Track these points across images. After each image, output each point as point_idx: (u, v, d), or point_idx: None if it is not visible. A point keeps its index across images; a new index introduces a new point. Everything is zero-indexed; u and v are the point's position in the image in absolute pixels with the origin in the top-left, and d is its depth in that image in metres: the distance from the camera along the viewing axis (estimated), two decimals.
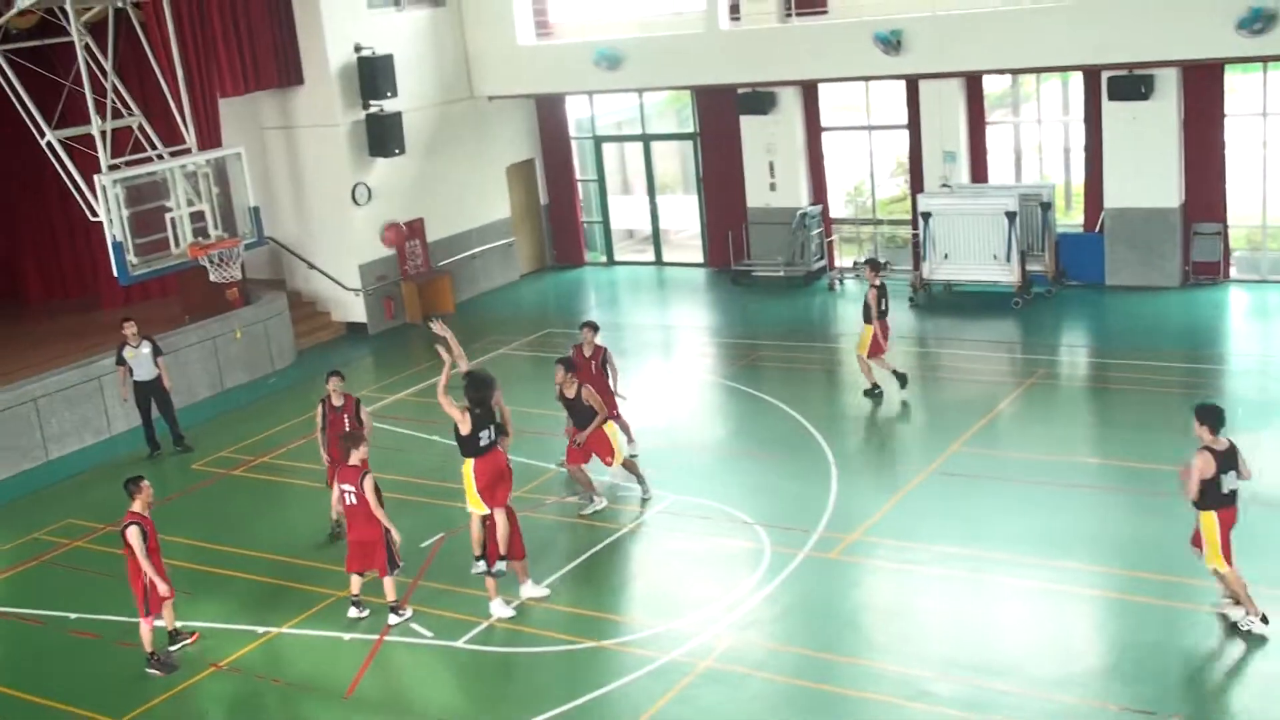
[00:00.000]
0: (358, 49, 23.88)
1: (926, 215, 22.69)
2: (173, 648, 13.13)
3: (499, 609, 13.11)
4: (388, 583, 13.26)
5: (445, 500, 16.21)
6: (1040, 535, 13.67)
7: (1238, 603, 11.50)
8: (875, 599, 13.14)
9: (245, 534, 15.89)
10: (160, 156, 20.17)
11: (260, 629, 13.40)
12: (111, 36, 19.75)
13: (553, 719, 11.31)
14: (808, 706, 11.19)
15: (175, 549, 15.23)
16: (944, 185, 23.37)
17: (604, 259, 28.82)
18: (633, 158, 28.57)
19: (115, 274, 19.16)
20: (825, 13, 23.69)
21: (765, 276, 25.36)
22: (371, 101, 23.99)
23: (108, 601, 14.31)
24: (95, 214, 19.07)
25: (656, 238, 28.20)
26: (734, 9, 24.03)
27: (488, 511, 12.91)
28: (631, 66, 24.67)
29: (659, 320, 24.61)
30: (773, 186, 25.53)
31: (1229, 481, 11.20)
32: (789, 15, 23.75)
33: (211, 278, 20.22)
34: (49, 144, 19.19)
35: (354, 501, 13.03)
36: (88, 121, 19.10)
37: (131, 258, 19.04)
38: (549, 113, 28.07)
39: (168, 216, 19.55)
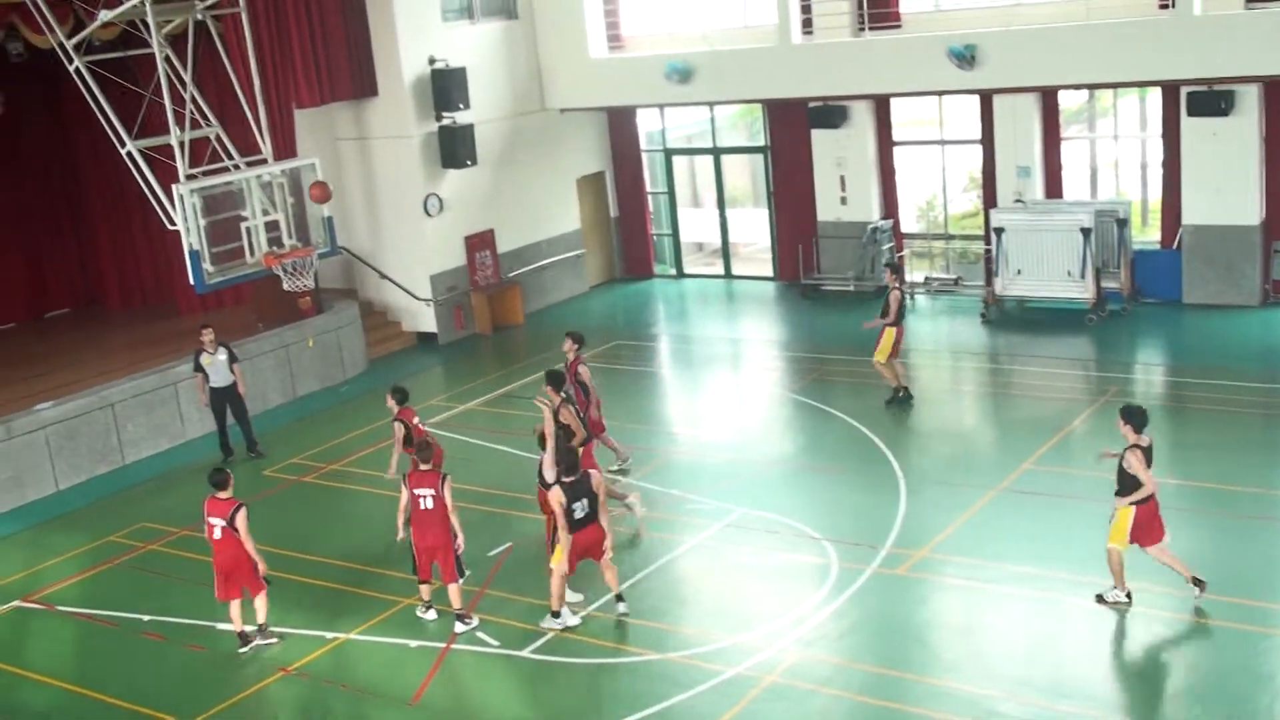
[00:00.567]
0: (431, 61, 24.10)
1: (999, 231, 22.47)
2: (243, 649, 13.38)
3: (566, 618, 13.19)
4: (453, 590, 13.33)
5: (513, 510, 16.30)
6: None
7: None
8: (943, 616, 13.01)
9: (315, 540, 16.04)
10: (237, 166, 20.46)
11: (329, 634, 13.51)
12: (191, 48, 20.07)
13: None
14: None
15: None
16: (1017, 201, 23.14)
17: (673, 271, 28.83)
18: (703, 171, 28.56)
19: (192, 282, 19.44)
20: (899, 27, 23.58)
21: (835, 290, 25.25)
22: (444, 113, 24.18)
23: (180, 604, 14.53)
24: (173, 223, 19.37)
25: (726, 251, 28.17)
26: (806, 23, 23.97)
27: (565, 570, 12.94)
28: (703, 80, 24.68)
29: (727, 333, 24.56)
30: (843, 200, 25.42)
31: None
32: (862, 29, 23.65)
33: (285, 287, 20.45)
34: (129, 154, 19.52)
35: (431, 506, 13.13)
36: (167, 132, 19.41)
37: (208, 266, 19.31)
38: (620, 125, 28.16)
39: (243, 226, 19.81)
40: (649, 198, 28.62)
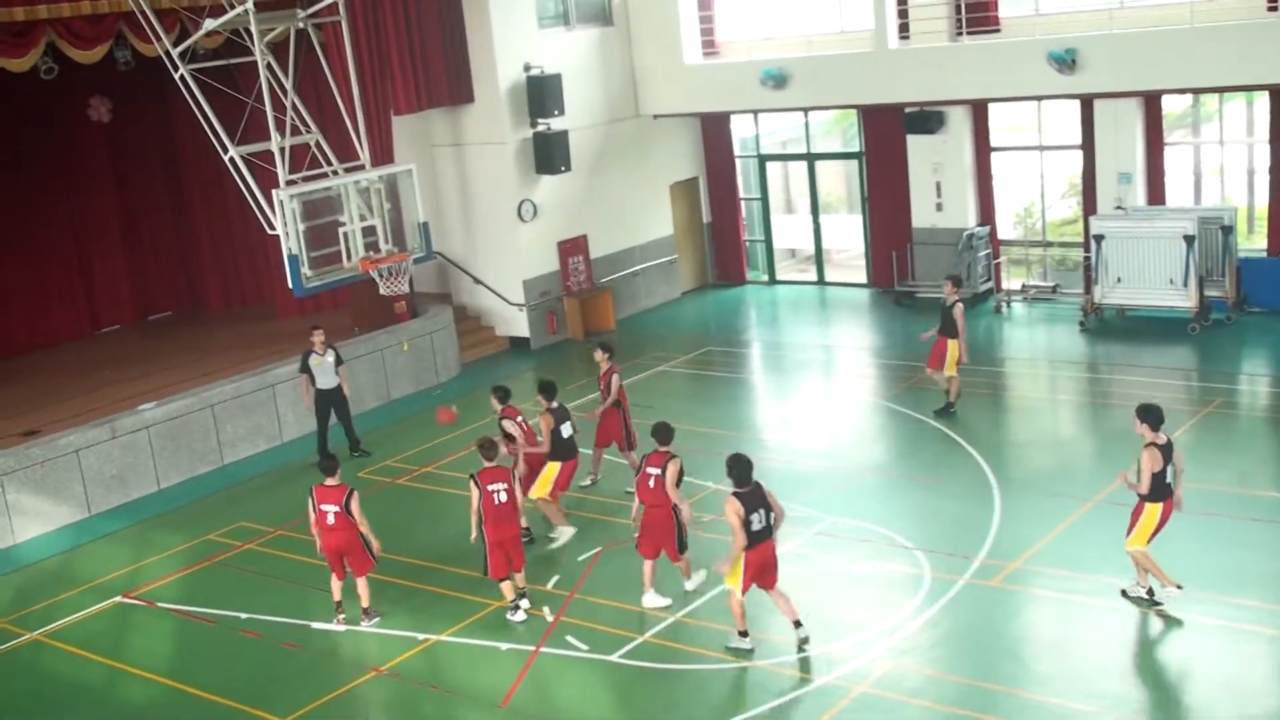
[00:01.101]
0: (527, 68, 24.27)
1: (1099, 238, 22.08)
2: (340, 616, 14.07)
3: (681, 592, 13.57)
4: (519, 578, 13.83)
5: (603, 515, 16.34)
6: (1215, 570, 13.15)
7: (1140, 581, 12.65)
8: (1037, 629, 12.80)
9: (408, 542, 16.18)
10: (335, 172, 20.72)
11: (420, 635, 13.64)
12: (292, 56, 20.37)
13: None
14: None
15: None
16: (1118, 207, 22.72)
17: (765, 278, 28.73)
18: (797, 177, 28.43)
19: (290, 286, 19.71)
20: (997, 31, 23.28)
21: (929, 298, 24.95)
22: (539, 119, 24.34)
23: (275, 602, 14.77)
24: (273, 227, 19.66)
25: (819, 257, 28.00)
26: (903, 27, 23.76)
27: (740, 595, 12.30)
28: (798, 85, 24.59)
29: (820, 340, 24.40)
30: (939, 207, 25.15)
31: (1168, 474, 12.37)
32: (960, 34, 23.40)
33: (381, 291, 20.65)
34: (231, 159, 19.86)
35: (505, 499, 13.49)
36: (268, 138, 19.70)
37: (306, 270, 19.55)
38: (713, 131, 28.12)
39: (341, 231, 20.05)
40: (742, 204, 28.55)
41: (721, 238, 28.73)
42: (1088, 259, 22.90)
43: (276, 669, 13.48)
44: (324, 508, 13.73)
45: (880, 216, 26.31)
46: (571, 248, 25.51)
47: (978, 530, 14.71)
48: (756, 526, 12.04)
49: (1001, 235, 25.32)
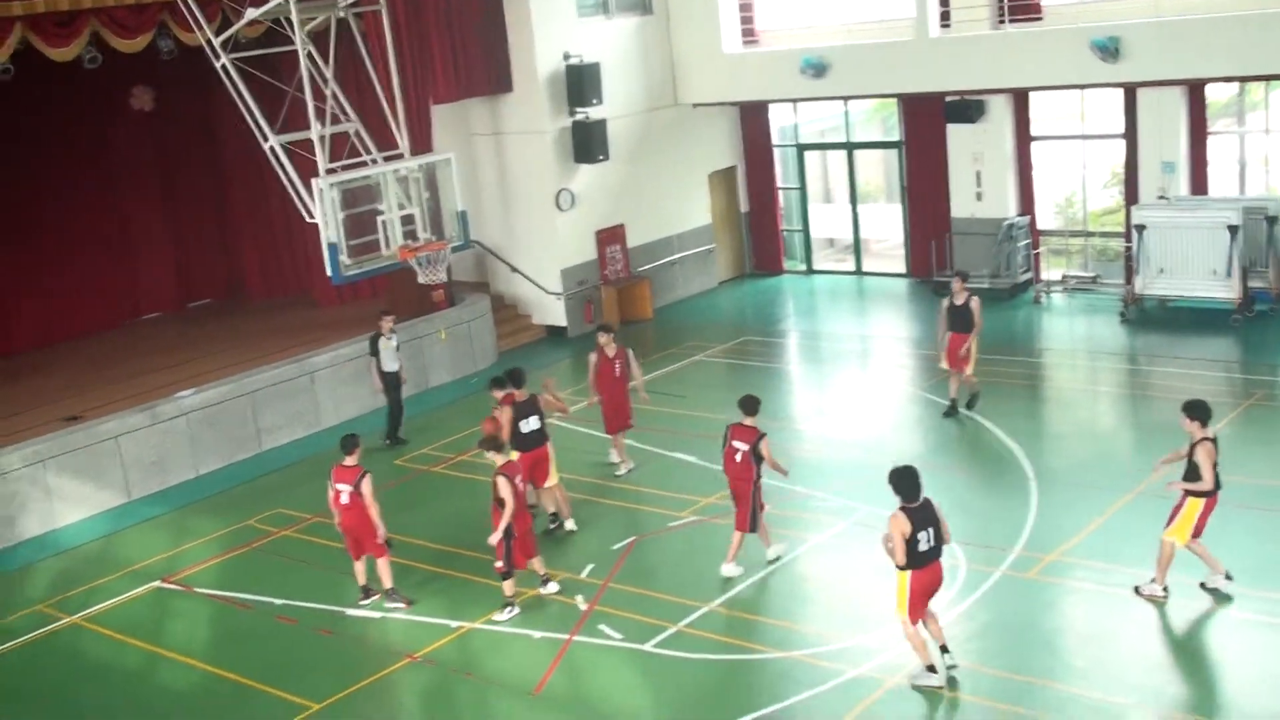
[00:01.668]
0: (566, 57, 24.26)
1: (1141, 228, 21.86)
2: (364, 601, 14.30)
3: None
4: (536, 563, 14.06)
5: (638, 504, 16.36)
6: (1256, 564, 13.00)
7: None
8: (1074, 622, 12.70)
9: (443, 530, 16.26)
10: (374, 161, 20.80)
11: (454, 623, 13.70)
12: (332, 45, 20.45)
13: None
14: None
15: None
16: (1161, 197, 22.48)
17: (803, 267, 28.62)
18: (835, 166, 28.30)
19: (329, 274, 19.82)
20: (1039, 19, 23.08)
21: (968, 288, 24.75)
22: (578, 109, 24.33)
23: (311, 589, 14.87)
24: (312, 216, 19.76)
25: (857, 246, 27.87)
26: (944, 15, 23.60)
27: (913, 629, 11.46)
28: (838, 74, 24.47)
29: (857, 330, 24.31)
30: (979, 196, 24.96)
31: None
32: (1001, 22, 23.20)
33: (419, 279, 20.74)
34: (271, 148, 19.97)
35: (523, 488, 13.82)
36: (308, 127, 19.81)
37: (344, 258, 19.66)
38: (752, 120, 28.03)
39: (379, 219, 20.13)
40: (780, 193, 28.45)
41: (759, 227, 28.64)
42: (1129, 249, 22.68)
43: (311, 655, 13.57)
44: (338, 486, 13.93)
45: (919, 206, 26.15)
46: (609, 237, 25.51)
47: (1014, 522, 14.62)
48: (924, 547, 11.19)
49: (1041, 225, 25.11)
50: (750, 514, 13.88)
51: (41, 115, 22.94)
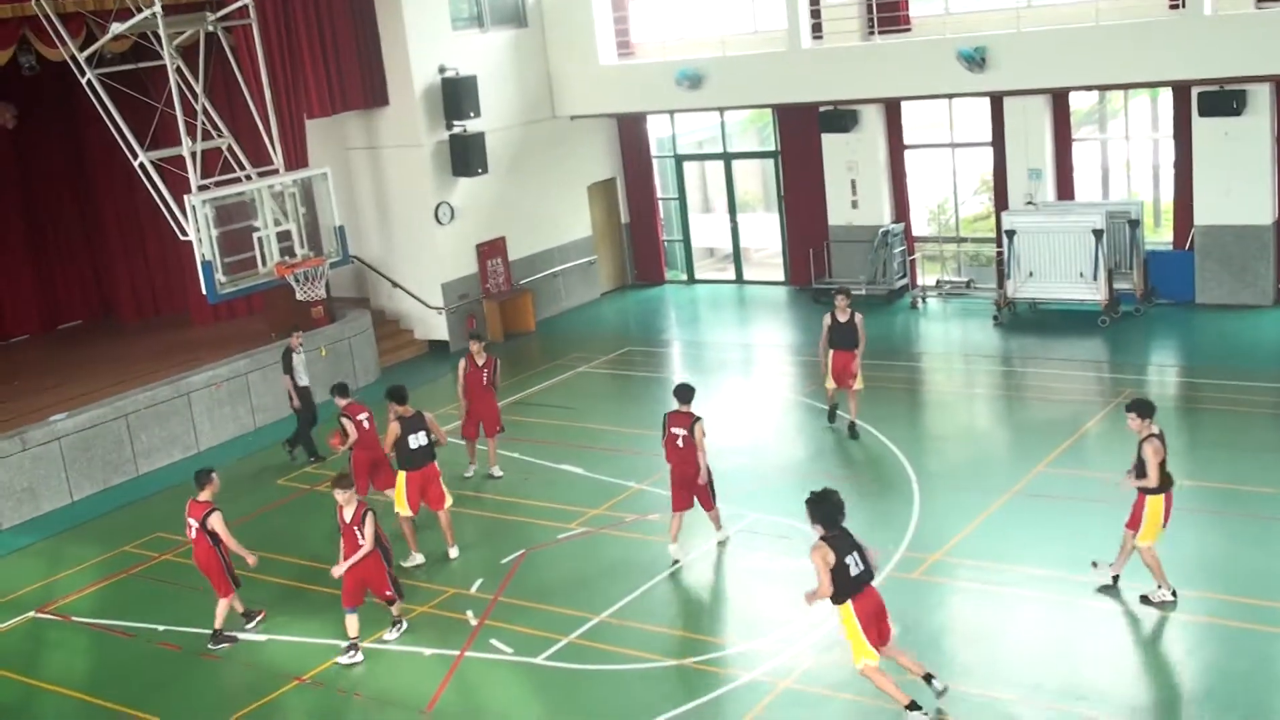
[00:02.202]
0: (442, 70, 24.15)
1: (1011, 233, 22.43)
2: (250, 625, 13.97)
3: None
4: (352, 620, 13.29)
5: (526, 517, 16.31)
6: (1129, 558, 13.39)
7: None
8: (958, 621, 12.96)
9: (325, 550, 16.00)
10: (248, 177, 20.51)
11: (342, 643, 13.49)
12: (202, 60, 20.14)
13: None
14: None
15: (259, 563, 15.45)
16: (1029, 203, 23.09)
17: (684, 277, 28.83)
18: (714, 176, 28.57)
19: (204, 292, 19.49)
20: (908, 30, 23.58)
21: (846, 285, 25.09)
22: (455, 121, 24.23)
23: (194, 614, 14.53)
24: (185, 234, 19.41)
25: (737, 256, 28.15)
26: (816, 27, 23.97)
27: (877, 660, 10.79)
28: (713, 85, 24.71)
29: (739, 338, 24.54)
30: (854, 204, 25.40)
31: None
32: (871, 33, 23.65)
33: (298, 296, 20.50)
34: (141, 165, 19.58)
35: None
36: (179, 143, 19.46)
37: (220, 276, 19.36)
38: (630, 132, 28.18)
39: (255, 236, 19.85)
40: (660, 204, 28.64)
41: (640, 238, 28.79)
42: (1000, 254, 23.25)
43: (196, 681, 13.28)
44: (189, 521, 13.60)
45: (797, 215, 26.51)
46: (490, 250, 25.43)
47: (898, 524, 14.87)
48: (855, 571, 10.65)
49: (916, 232, 25.64)
50: (712, 488, 14.50)
51: None
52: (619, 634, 13.11)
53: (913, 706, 10.82)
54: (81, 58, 19.32)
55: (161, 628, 14.39)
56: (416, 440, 14.98)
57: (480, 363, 17.45)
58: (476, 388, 17.48)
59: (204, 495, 13.59)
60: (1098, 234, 21.61)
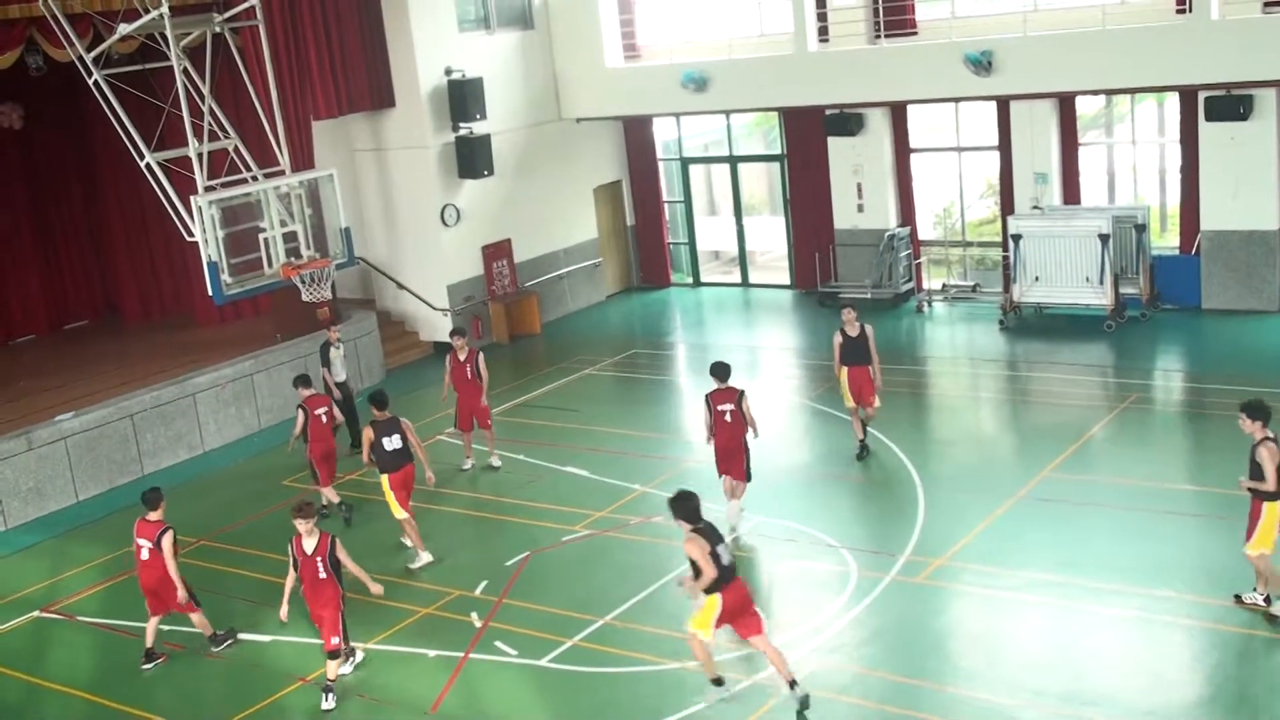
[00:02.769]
0: (448, 72, 24.17)
1: (1017, 237, 22.41)
2: (148, 666, 13.62)
3: None
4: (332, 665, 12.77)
5: (531, 520, 16.31)
6: (1134, 563, 13.39)
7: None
8: (963, 625, 12.95)
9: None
10: (255, 178, 20.53)
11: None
12: (209, 61, 20.16)
13: None
14: None
15: (263, 563, 15.52)
16: (1035, 207, 23.07)
17: (690, 280, 28.83)
18: (719, 179, 28.57)
19: (210, 293, 19.51)
20: (915, 34, 23.57)
21: (852, 298, 25.15)
22: (461, 124, 24.24)
23: None
24: (191, 234, 19.44)
25: (743, 259, 28.15)
26: (822, 30, 23.97)
27: (709, 637, 11.23)
28: (719, 88, 24.71)
29: (745, 341, 24.53)
30: (860, 208, 25.39)
31: None
32: (878, 37, 23.65)
33: (303, 297, 20.51)
34: (148, 166, 19.60)
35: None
36: (185, 144, 19.48)
37: (226, 277, 19.37)
38: (636, 134, 28.18)
39: (261, 237, 19.87)
40: (665, 206, 28.63)
41: (646, 240, 28.79)
42: (1006, 258, 23.23)
43: (200, 681, 13.31)
44: (139, 541, 13.36)
45: (802, 218, 26.50)
46: (495, 252, 25.44)
47: (903, 528, 14.86)
48: (726, 560, 11.03)
49: (922, 235, 25.61)
50: (748, 465, 15.10)
51: None
52: (623, 637, 13.10)
53: (718, 682, 11.43)
54: (89, 58, 19.36)
55: (166, 628, 14.36)
56: (391, 443, 15.11)
57: (462, 357, 17.91)
58: (461, 381, 17.99)
59: (155, 515, 13.34)
60: (1104, 238, 21.58)
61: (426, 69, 23.94)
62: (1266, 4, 20.11)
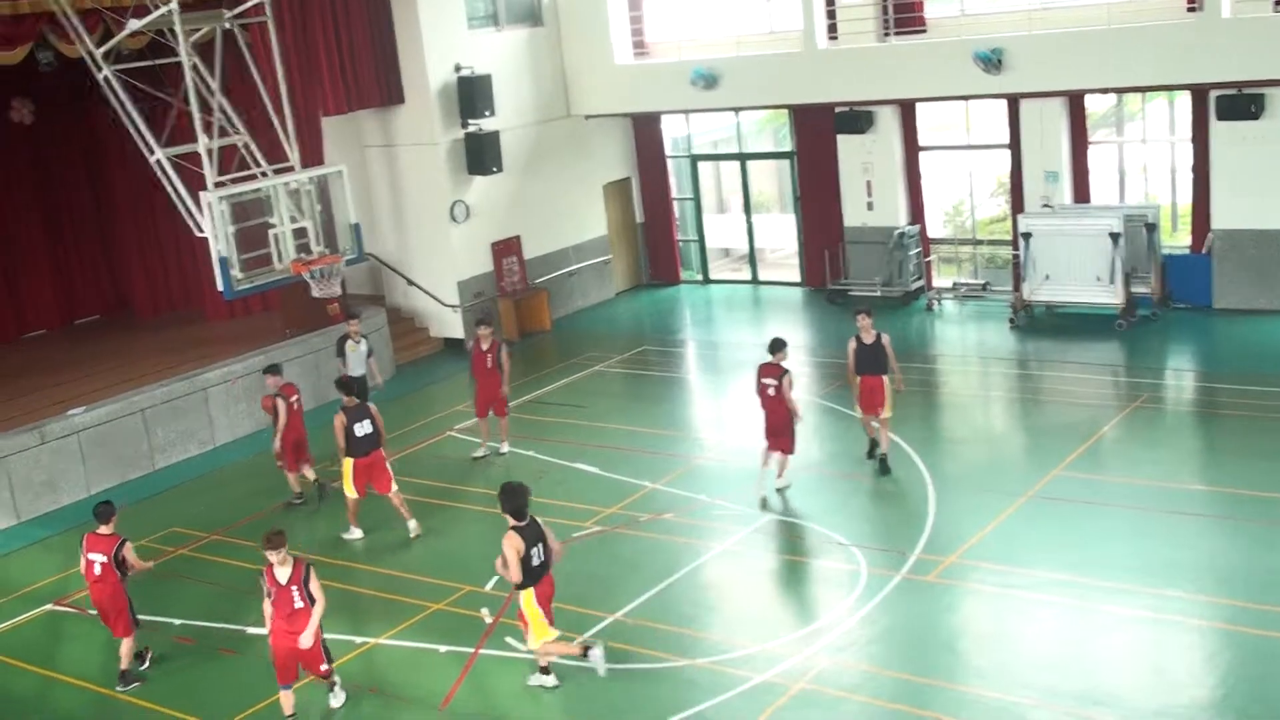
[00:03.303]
0: (457, 68, 24.17)
1: (1027, 236, 22.38)
2: (144, 666, 13.47)
3: None
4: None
5: (541, 515, 16.25)
6: (1145, 562, 13.38)
7: None
8: (973, 624, 12.95)
9: (344, 545, 16.09)
10: (264, 174, 20.53)
11: (358, 639, 13.54)
12: (219, 57, 20.17)
13: None
14: None
15: None
16: (1045, 205, 23.04)
17: (699, 277, 28.83)
18: (729, 176, 28.56)
19: (220, 289, 19.53)
20: (924, 31, 23.54)
21: (861, 296, 25.12)
22: (470, 120, 24.25)
23: (209, 608, 14.62)
24: (201, 230, 19.45)
25: (752, 256, 28.14)
26: (832, 28, 23.95)
27: (554, 635, 11.97)
28: (728, 85, 24.70)
29: (754, 339, 24.44)
30: (870, 206, 25.36)
31: None
32: (887, 34, 23.62)
33: (313, 293, 20.53)
34: (158, 162, 19.61)
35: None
36: (195, 140, 19.49)
37: (236, 273, 19.39)
38: (645, 131, 28.17)
39: (271, 233, 19.88)
40: (675, 204, 28.62)
41: (655, 238, 28.78)
42: (1016, 257, 23.20)
43: (212, 675, 13.32)
44: (90, 556, 12.89)
45: (812, 215, 26.48)
46: (505, 248, 25.45)
47: (913, 526, 14.86)
48: (536, 562, 11.67)
49: (931, 234, 25.59)
50: (793, 438, 15.67)
51: None
52: (633, 633, 13.11)
53: (588, 649, 11.82)
54: (98, 54, 19.35)
55: (178, 621, 14.43)
56: (362, 429, 15.79)
57: (485, 347, 18.17)
58: (480, 369, 18.27)
59: (107, 529, 12.94)
60: (1114, 237, 21.54)
61: (436, 65, 23.95)
62: (1278, 2, 20.06)
